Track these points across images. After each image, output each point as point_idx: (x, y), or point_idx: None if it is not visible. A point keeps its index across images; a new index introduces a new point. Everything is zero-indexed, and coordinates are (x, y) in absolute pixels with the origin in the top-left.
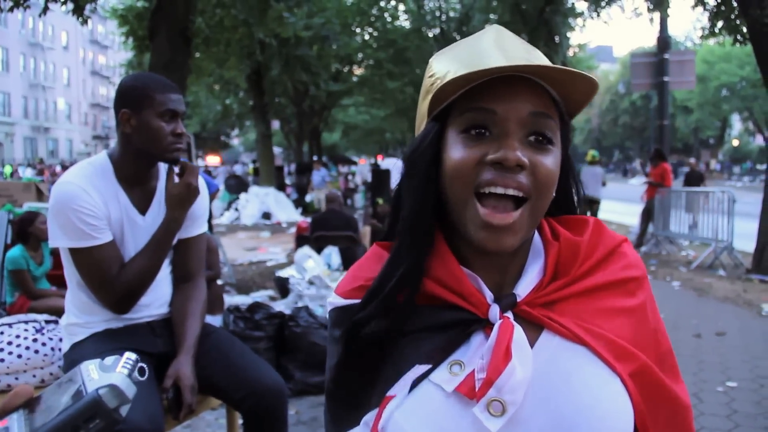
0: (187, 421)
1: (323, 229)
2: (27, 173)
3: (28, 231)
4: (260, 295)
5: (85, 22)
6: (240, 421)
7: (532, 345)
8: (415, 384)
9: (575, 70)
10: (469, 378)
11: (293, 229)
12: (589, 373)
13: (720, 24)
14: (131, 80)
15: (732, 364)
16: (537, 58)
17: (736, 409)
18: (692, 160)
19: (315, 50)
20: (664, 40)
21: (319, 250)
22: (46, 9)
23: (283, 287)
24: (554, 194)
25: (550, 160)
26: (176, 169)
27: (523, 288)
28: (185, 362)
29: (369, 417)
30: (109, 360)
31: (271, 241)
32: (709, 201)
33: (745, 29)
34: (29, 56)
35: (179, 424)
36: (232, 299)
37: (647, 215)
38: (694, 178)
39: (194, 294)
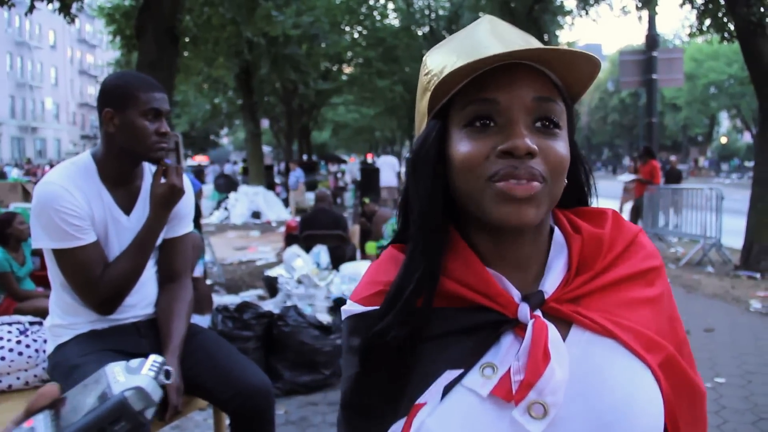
0: (174, 421)
1: (312, 228)
2: (14, 173)
3: (6, 232)
4: (249, 295)
5: (72, 20)
6: (227, 422)
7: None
8: (446, 390)
9: (576, 49)
10: (504, 380)
11: (283, 228)
12: (621, 366)
13: (708, 22)
14: (114, 79)
15: (720, 360)
16: (534, 44)
17: (725, 404)
18: (673, 158)
19: (304, 49)
20: (653, 38)
21: (308, 249)
22: (32, 7)
23: (271, 286)
24: (565, 182)
25: (560, 145)
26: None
27: (550, 284)
28: (171, 363)
29: (396, 427)
30: (135, 362)
31: (260, 240)
32: (695, 198)
33: (732, 27)
34: (16, 55)
35: (166, 425)
36: (221, 299)
37: (636, 212)
38: (673, 177)
39: (180, 294)
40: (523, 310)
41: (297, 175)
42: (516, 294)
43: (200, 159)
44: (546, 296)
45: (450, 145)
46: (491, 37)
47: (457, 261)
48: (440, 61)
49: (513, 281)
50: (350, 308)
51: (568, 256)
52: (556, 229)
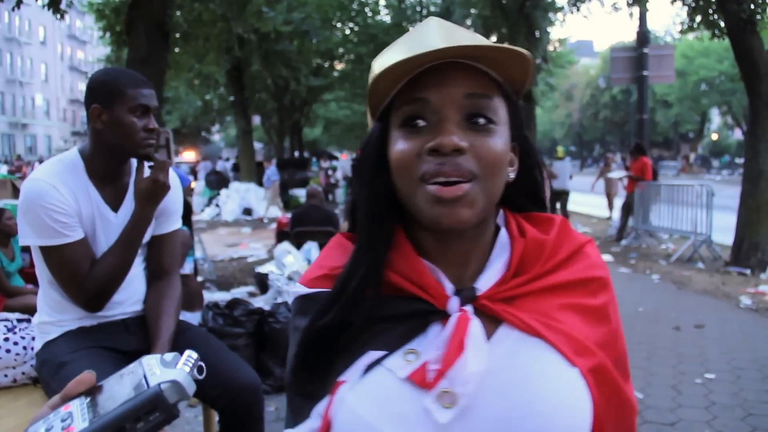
0: None
1: (303, 224)
2: (2, 170)
3: None
4: (241, 292)
5: (61, 16)
6: (217, 418)
7: (489, 338)
8: (368, 369)
9: (504, 46)
10: (422, 367)
11: (274, 225)
12: (545, 364)
13: (698, 19)
14: (102, 75)
15: (710, 356)
16: (475, 41)
17: (714, 400)
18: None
19: (295, 45)
20: (644, 35)
21: (299, 246)
22: (19, 2)
23: (262, 283)
24: (512, 177)
25: (494, 140)
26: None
27: (485, 282)
28: None
29: (320, 406)
30: (169, 356)
31: (251, 237)
32: (686, 195)
33: (723, 24)
34: (5, 51)
35: None
36: (212, 296)
37: (627, 209)
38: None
39: (168, 291)
40: (452, 304)
41: (269, 173)
42: (449, 288)
43: (188, 155)
44: (478, 293)
45: (389, 145)
46: (434, 37)
47: (397, 254)
48: (381, 64)
49: (451, 276)
50: (297, 290)
51: (509, 257)
52: (503, 229)
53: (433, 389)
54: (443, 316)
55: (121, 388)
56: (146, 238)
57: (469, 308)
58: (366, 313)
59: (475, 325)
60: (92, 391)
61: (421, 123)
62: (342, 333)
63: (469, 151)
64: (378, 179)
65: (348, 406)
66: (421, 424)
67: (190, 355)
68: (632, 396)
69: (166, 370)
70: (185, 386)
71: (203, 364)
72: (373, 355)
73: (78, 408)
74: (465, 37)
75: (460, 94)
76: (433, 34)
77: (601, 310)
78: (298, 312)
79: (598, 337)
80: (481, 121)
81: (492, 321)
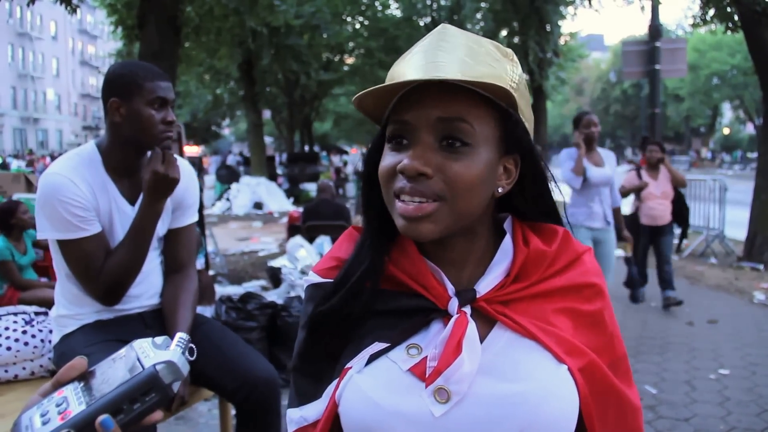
0: (180, 412)
1: (315, 218)
2: (15, 164)
3: (10, 222)
4: (253, 285)
5: (73, 11)
6: (233, 412)
7: (484, 338)
8: (373, 358)
9: (480, 82)
10: (423, 362)
11: (285, 219)
12: (535, 361)
13: (711, 12)
14: (119, 68)
15: (724, 351)
16: (480, 56)
17: (729, 396)
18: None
19: (306, 39)
20: (656, 28)
21: (311, 240)
22: None
23: (275, 277)
24: (501, 191)
25: (466, 163)
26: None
27: (485, 285)
28: None
29: (329, 389)
30: (160, 339)
31: (263, 231)
32: (698, 189)
33: (736, 17)
34: (17, 46)
35: (172, 416)
36: (224, 289)
37: None
38: None
39: (185, 284)
40: (453, 304)
41: None
42: (450, 288)
43: (189, 150)
44: (478, 295)
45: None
46: (433, 52)
47: (402, 252)
48: (392, 74)
49: (450, 277)
50: (310, 278)
51: (510, 264)
52: (508, 236)
53: (430, 385)
54: (444, 314)
55: (115, 372)
56: (162, 231)
57: (467, 309)
58: (365, 304)
59: (471, 328)
60: (85, 376)
61: (403, 141)
62: (344, 320)
63: (437, 174)
64: (375, 185)
65: (355, 386)
66: (419, 410)
67: (182, 336)
68: (634, 398)
69: (159, 351)
70: (180, 366)
71: (194, 346)
72: (378, 346)
73: (72, 392)
74: (462, 48)
75: (433, 117)
76: (432, 50)
77: (595, 315)
78: (309, 299)
79: (592, 340)
80: (455, 144)
81: (487, 321)
